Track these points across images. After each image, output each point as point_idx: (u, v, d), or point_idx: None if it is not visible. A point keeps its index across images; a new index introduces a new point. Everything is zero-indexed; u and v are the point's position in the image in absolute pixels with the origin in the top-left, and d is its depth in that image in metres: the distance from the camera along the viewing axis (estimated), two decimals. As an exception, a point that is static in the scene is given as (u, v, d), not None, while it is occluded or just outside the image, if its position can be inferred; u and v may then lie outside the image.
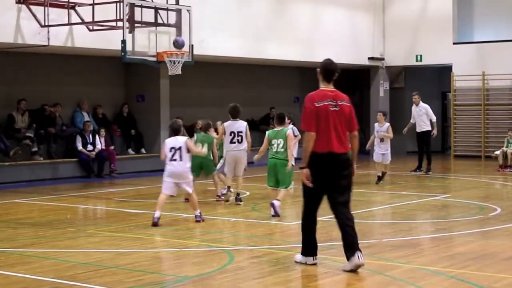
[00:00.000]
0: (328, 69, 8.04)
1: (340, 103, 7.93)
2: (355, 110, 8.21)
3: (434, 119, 19.00)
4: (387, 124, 16.65)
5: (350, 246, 7.74)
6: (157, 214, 10.78)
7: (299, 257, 8.11)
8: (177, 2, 15.94)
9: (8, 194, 14.98)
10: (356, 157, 8.17)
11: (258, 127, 23.49)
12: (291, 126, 13.43)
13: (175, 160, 10.75)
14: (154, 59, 15.09)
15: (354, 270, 7.68)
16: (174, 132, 10.98)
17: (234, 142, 13.01)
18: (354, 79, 26.94)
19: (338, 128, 7.88)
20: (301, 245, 8.14)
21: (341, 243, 7.83)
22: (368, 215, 12.13)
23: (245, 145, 13.17)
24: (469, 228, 10.66)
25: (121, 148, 20.34)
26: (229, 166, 13.16)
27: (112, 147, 19.29)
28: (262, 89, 24.57)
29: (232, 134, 13.04)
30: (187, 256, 8.78)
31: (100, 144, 18.81)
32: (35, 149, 17.76)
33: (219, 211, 12.54)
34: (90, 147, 18.61)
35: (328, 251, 8.87)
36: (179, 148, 10.71)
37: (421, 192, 15.08)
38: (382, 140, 16.50)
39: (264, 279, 7.48)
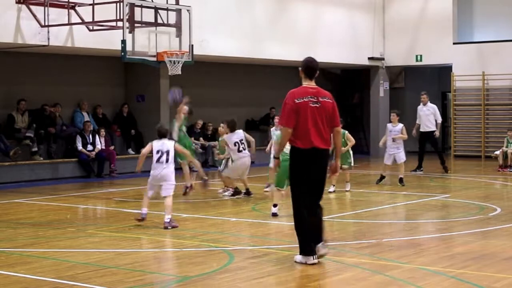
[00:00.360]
0: (310, 67, 8.19)
1: (321, 100, 8.06)
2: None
3: (440, 120, 18.90)
4: (401, 124, 16.29)
5: (315, 237, 8.04)
6: (144, 210, 10.85)
7: (299, 257, 8.14)
8: (177, 2, 15.94)
9: (8, 194, 14.98)
10: (339, 153, 8.32)
11: (258, 127, 23.52)
12: None
13: (161, 162, 10.73)
14: (154, 59, 15.10)
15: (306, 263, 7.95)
16: (162, 136, 10.95)
17: (241, 150, 13.81)
18: (354, 79, 26.99)
19: (319, 124, 8.00)
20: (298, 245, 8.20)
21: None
22: (368, 215, 12.13)
23: (248, 151, 13.99)
24: (469, 228, 10.66)
25: (121, 148, 20.34)
26: (238, 171, 13.90)
27: (112, 147, 19.29)
28: (262, 89, 24.55)
29: (237, 144, 13.77)
30: (187, 256, 8.77)
31: (100, 144, 18.82)
32: (35, 149, 17.76)
33: (219, 211, 12.55)
34: (90, 147, 18.61)
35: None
36: (167, 151, 10.75)
37: (421, 192, 15.08)
38: (394, 140, 16.26)
39: (264, 279, 7.47)
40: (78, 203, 13.83)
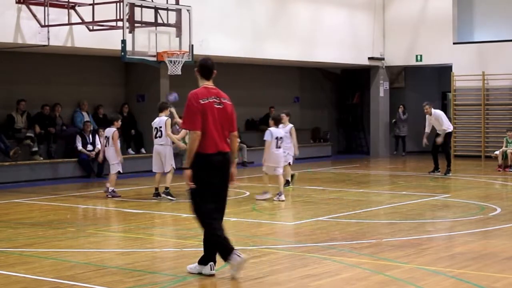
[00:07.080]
0: (206, 66, 7.90)
1: (223, 101, 7.69)
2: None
3: (445, 128, 18.20)
4: (290, 125, 15.44)
5: (224, 251, 7.52)
6: None
7: (192, 266, 7.72)
8: (177, 2, 15.95)
9: (8, 194, 14.98)
10: (235, 160, 7.77)
11: (258, 127, 23.53)
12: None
13: None
14: (154, 59, 15.11)
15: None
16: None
17: (280, 146, 13.92)
18: (354, 79, 27.00)
19: (224, 126, 7.58)
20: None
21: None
22: (368, 215, 12.13)
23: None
24: (469, 228, 10.66)
25: (121, 148, 20.27)
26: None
27: (112, 147, 19.27)
28: (262, 89, 24.56)
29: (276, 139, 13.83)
30: (187, 256, 8.77)
31: (100, 144, 18.80)
32: (35, 149, 17.77)
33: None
34: (90, 147, 18.60)
35: (328, 250, 8.88)
36: None
37: (421, 192, 15.08)
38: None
39: (264, 279, 7.47)
40: (78, 203, 13.83)
